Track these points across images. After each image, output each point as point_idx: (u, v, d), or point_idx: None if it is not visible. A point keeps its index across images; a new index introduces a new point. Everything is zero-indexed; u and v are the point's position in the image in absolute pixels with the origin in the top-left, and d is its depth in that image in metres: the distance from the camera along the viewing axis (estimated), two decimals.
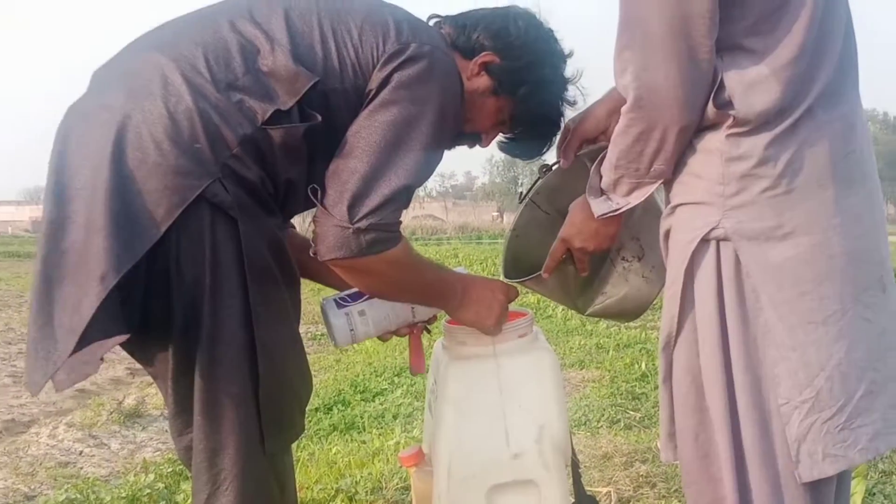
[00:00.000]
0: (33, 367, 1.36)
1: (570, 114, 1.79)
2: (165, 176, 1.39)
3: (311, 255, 1.50)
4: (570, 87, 1.78)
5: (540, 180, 1.92)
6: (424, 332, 1.86)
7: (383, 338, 1.79)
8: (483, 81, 1.68)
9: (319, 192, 1.48)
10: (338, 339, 1.70)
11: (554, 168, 1.86)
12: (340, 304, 1.71)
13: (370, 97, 1.50)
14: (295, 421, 1.63)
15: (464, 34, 1.67)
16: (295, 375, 1.59)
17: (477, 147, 1.84)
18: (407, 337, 1.85)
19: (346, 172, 1.46)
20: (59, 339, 1.34)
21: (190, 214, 1.40)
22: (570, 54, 1.77)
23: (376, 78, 1.49)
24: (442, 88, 1.54)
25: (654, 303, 1.86)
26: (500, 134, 1.82)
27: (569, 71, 1.77)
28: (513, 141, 1.84)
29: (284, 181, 1.53)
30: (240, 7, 1.54)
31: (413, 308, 1.77)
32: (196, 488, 1.52)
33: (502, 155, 1.98)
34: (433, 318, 1.84)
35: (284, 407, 1.57)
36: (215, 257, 1.44)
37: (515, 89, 1.69)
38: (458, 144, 1.76)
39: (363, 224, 1.44)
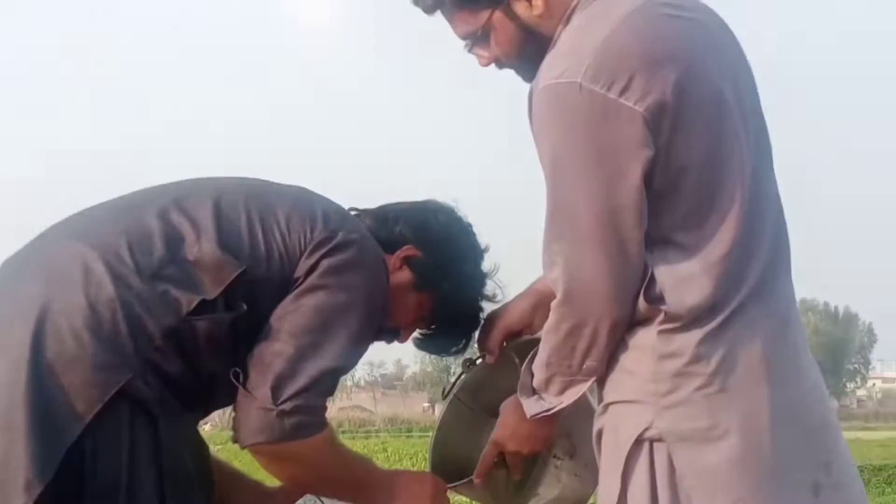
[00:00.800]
0: None
1: (488, 308, 1.81)
2: (85, 370, 1.35)
3: (233, 442, 1.45)
4: (489, 282, 1.79)
5: (464, 375, 1.91)
6: None
7: None
8: (404, 275, 1.68)
9: (241, 376, 1.44)
10: None
11: (478, 362, 1.85)
12: None
13: (297, 284, 1.48)
14: None
15: (385, 227, 1.68)
16: None
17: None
18: None
19: (269, 355, 1.44)
20: None
21: (108, 410, 1.35)
22: (487, 249, 1.79)
23: (304, 265, 1.48)
24: (370, 276, 1.54)
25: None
26: (417, 330, 1.82)
27: (485, 265, 1.79)
28: (429, 337, 1.83)
29: (207, 374, 1.48)
30: (166, 195, 1.54)
31: None
32: None
33: None
34: None
35: None
36: (133, 458, 1.38)
37: (437, 284, 1.69)
38: (377, 339, 1.74)
39: (287, 406, 1.40)
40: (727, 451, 1.31)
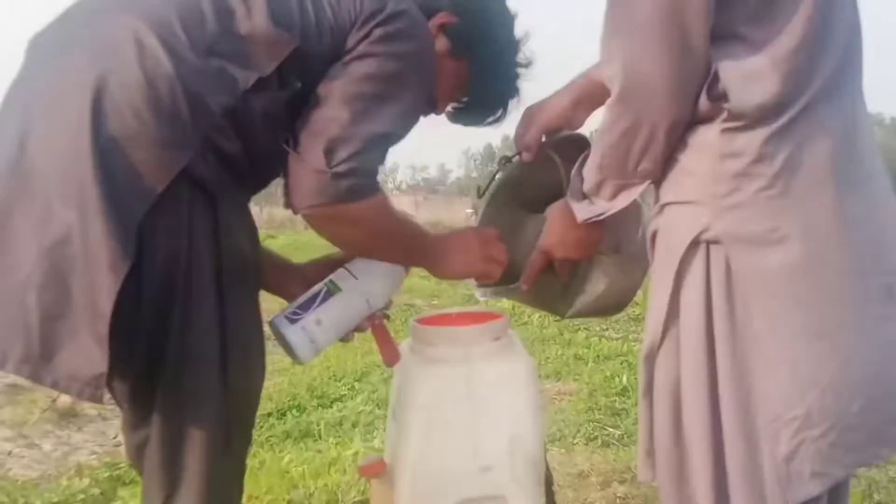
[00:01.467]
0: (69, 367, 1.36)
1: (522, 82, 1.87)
2: (148, 148, 1.36)
3: (285, 207, 1.53)
4: (523, 49, 1.86)
5: (501, 173, 1.97)
6: (385, 319, 1.88)
7: (346, 339, 1.79)
8: (441, 43, 1.73)
9: (291, 142, 1.50)
10: (300, 355, 1.69)
11: (515, 160, 1.91)
12: (292, 319, 1.71)
13: (348, 53, 1.53)
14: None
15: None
16: (258, 370, 1.60)
17: (444, 133, 1.85)
18: (370, 331, 1.87)
19: (321, 120, 1.48)
20: (93, 349, 1.34)
21: (169, 188, 1.38)
22: (516, 15, 1.85)
23: (355, 37, 1.52)
24: (420, 45, 1.59)
25: (639, 314, 1.90)
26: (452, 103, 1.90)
27: (517, 33, 1.86)
28: (466, 107, 1.89)
29: (262, 153, 1.52)
30: None
31: (367, 298, 1.77)
32: (149, 489, 1.51)
33: (480, 147, 2.00)
34: (389, 304, 1.87)
35: (252, 406, 1.59)
36: (191, 236, 1.43)
37: (473, 49, 1.76)
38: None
39: (342, 168, 1.45)
40: (789, 254, 1.31)
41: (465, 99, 1.85)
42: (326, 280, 1.74)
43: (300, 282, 1.81)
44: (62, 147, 1.34)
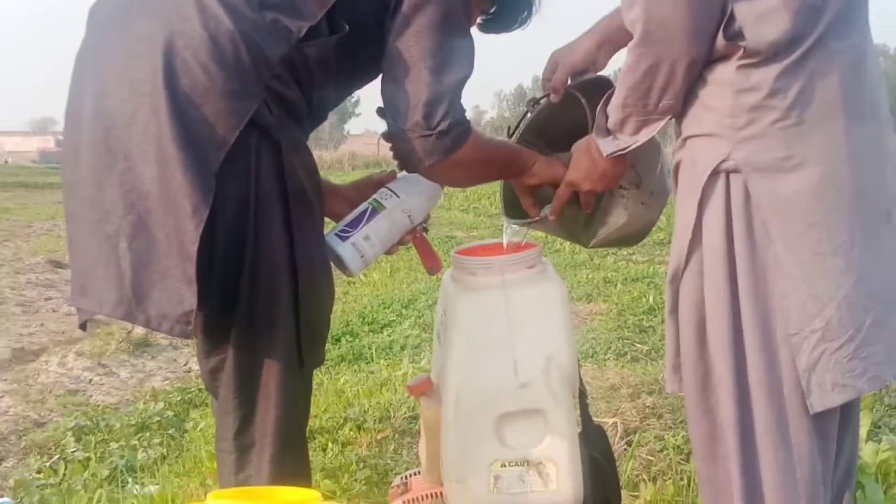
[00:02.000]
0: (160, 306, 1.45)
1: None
2: (217, 100, 1.43)
3: (400, 170, 1.69)
4: None
5: (528, 115, 1.98)
6: (425, 232, 1.96)
7: (391, 251, 1.86)
8: None
9: (387, 113, 1.57)
10: (351, 268, 1.76)
11: (542, 102, 1.92)
12: (342, 236, 1.78)
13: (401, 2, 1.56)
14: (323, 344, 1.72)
15: None
16: (327, 297, 1.67)
17: (478, 77, 1.92)
18: (412, 246, 1.95)
19: (410, 84, 1.55)
20: (182, 288, 1.42)
21: (240, 138, 1.45)
22: None
23: None
24: None
25: (663, 238, 1.92)
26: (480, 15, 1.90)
27: None
28: (493, 17, 1.91)
29: (317, 97, 1.59)
30: None
31: (409, 214, 1.85)
32: (224, 409, 1.59)
33: (512, 88, 2.03)
34: (428, 218, 1.94)
35: (320, 327, 1.67)
36: (259, 179, 1.50)
37: None
38: None
39: (443, 126, 1.54)
40: (803, 180, 1.36)
41: (492, 10, 1.87)
42: (371, 199, 1.82)
43: (345, 202, 1.88)
44: (138, 106, 1.41)
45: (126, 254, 1.42)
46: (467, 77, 1.62)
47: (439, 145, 1.57)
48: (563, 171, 1.81)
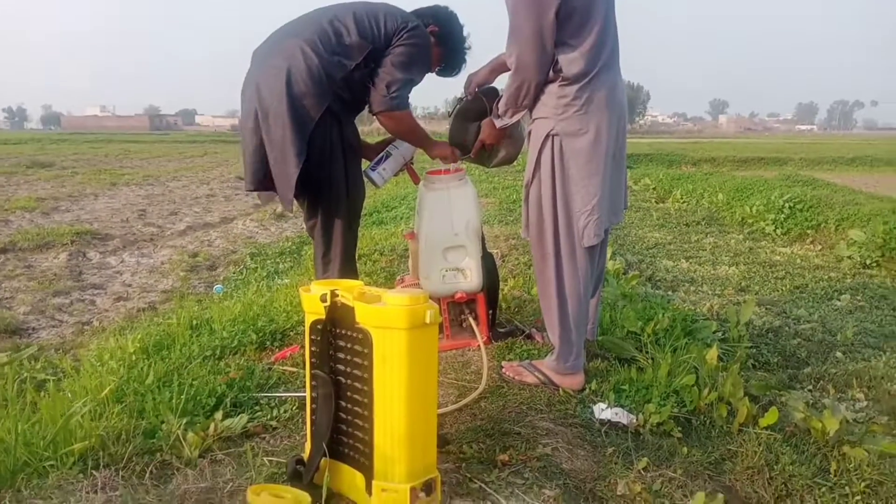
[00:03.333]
0: (281, 194, 2.44)
1: (468, 61, 2.98)
2: (311, 97, 2.41)
3: (370, 113, 2.60)
4: (468, 41, 2.95)
5: (459, 104, 3.00)
6: (412, 164, 2.98)
7: (396, 175, 2.92)
8: (433, 40, 2.78)
9: (373, 84, 2.52)
10: (378, 184, 2.83)
11: (464, 99, 2.94)
12: (373, 168, 2.84)
13: (393, 46, 2.56)
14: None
15: (422, 17, 2.73)
16: (361, 196, 2.73)
17: (440, 92, 3.29)
18: (406, 172, 3.11)
19: (385, 75, 2.52)
20: (288, 188, 2.37)
21: (321, 117, 2.44)
22: (464, 26, 2.92)
23: (396, 38, 2.56)
24: (424, 40, 2.64)
25: (520, 168, 3.35)
26: (437, 70, 2.95)
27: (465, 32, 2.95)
28: (444, 69, 2.95)
29: (360, 96, 2.59)
30: (329, 11, 2.54)
31: (403, 156, 2.89)
32: (317, 248, 2.64)
33: (453, 95, 3.17)
34: (413, 158, 2.96)
35: (358, 208, 2.70)
36: (331, 139, 2.52)
37: (447, 41, 2.83)
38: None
39: (394, 93, 2.51)
40: (586, 141, 2.30)
41: (442, 65, 2.91)
42: (385, 150, 2.85)
43: (372, 152, 2.88)
44: (276, 100, 2.38)
45: (276, 175, 2.39)
46: (412, 81, 2.53)
47: (389, 102, 2.47)
48: (446, 150, 2.84)
